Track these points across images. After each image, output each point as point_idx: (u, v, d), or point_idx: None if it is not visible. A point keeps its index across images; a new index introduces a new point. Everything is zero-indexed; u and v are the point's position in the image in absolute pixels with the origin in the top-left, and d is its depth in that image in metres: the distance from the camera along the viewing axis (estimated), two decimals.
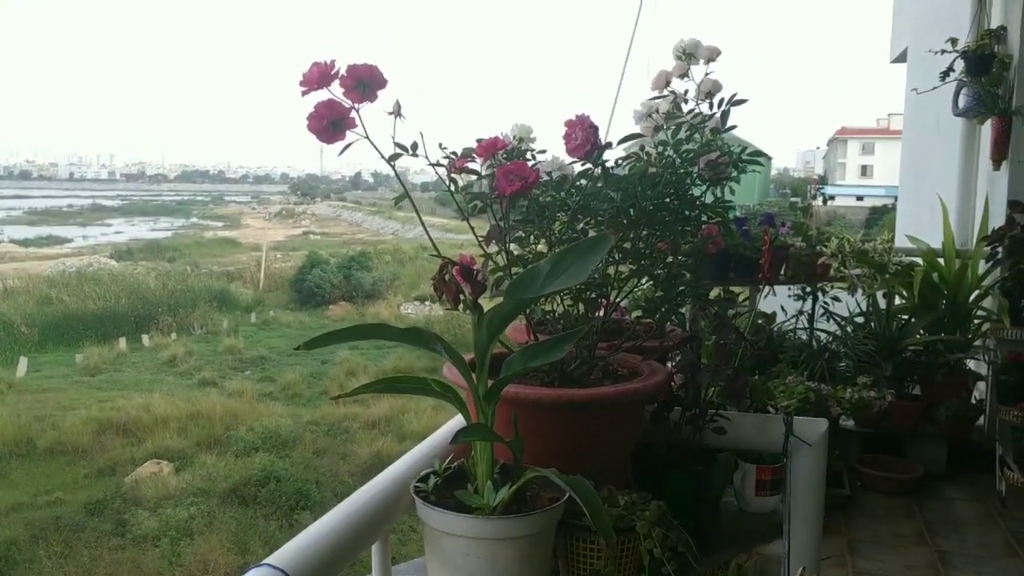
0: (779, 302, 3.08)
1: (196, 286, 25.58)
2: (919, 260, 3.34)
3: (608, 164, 1.33)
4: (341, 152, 1.11)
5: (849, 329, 3.19)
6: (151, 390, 16.16)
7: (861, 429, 2.98)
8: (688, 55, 1.41)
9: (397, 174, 1.22)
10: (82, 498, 10.89)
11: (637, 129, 1.45)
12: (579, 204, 1.28)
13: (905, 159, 6.38)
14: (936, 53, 3.46)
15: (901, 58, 6.57)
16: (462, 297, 0.96)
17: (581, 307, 1.30)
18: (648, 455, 1.36)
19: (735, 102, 1.41)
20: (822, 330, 3.19)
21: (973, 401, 3.17)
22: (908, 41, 6.12)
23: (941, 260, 3.34)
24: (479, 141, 1.27)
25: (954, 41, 3.40)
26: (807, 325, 3.13)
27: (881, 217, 25.45)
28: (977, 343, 3.21)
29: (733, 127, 1.42)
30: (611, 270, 1.31)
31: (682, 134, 1.40)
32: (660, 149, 1.38)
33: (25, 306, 22.22)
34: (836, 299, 3.23)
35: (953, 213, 3.61)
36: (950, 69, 3.41)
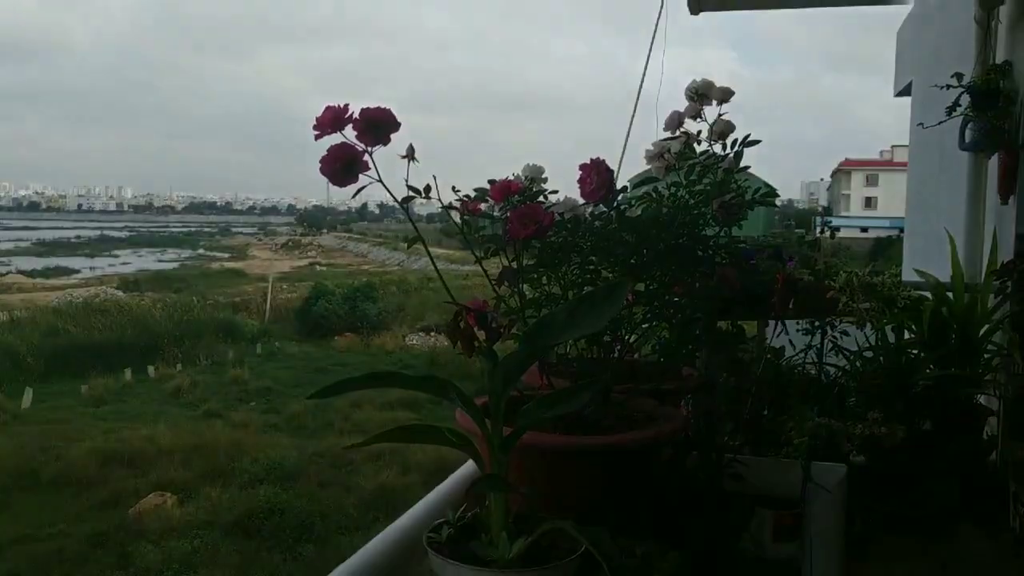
0: (787, 337, 3.06)
1: (202, 317, 25.62)
2: (928, 294, 3.33)
3: (620, 204, 1.33)
4: (354, 195, 1.13)
5: (858, 364, 3.16)
6: (156, 421, 16.15)
7: (872, 465, 2.94)
8: (701, 96, 1.42)
9: (410, 217, 1.22)
10: (86, 530, 10.84)
11: (647, 167, 1.45)
12: (593, 246, 1.28)
13: (911, 192, 6.38)
14: (941, 88, 3.47)
15: (905, 92, 6.60)
16: (476, 343, 0.95)
17: (595, 349, 1.30)
18: (664, 502, 1.35)
19: (748, 143, 1.41)
20: (831, 364, 3.17)
21: (985, 437, 3.14)
22: (912, 75, 6.15)
23: (950, 294, 3.32)
24: (492, 183, 1.28)
25: (959, 76, 3.41)
26: (816, 360, 3.10)
27: (886, 249, 25.49)
28: (988, 378, 3.17)
29: (746, 167, 1.43)
30: (625, 311, 1.30)
31: (695, 175, 1.40)
32: (673, 190, 1.38)
33: (31, 337, 22.26)
34: (845, 333, 3.20)
35: (961, 247, 3.60)
36: (956, 103, 3.42)
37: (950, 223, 3.79)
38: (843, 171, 61.89)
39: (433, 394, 0.93)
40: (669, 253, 1.30)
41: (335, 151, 1.08)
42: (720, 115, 1.40)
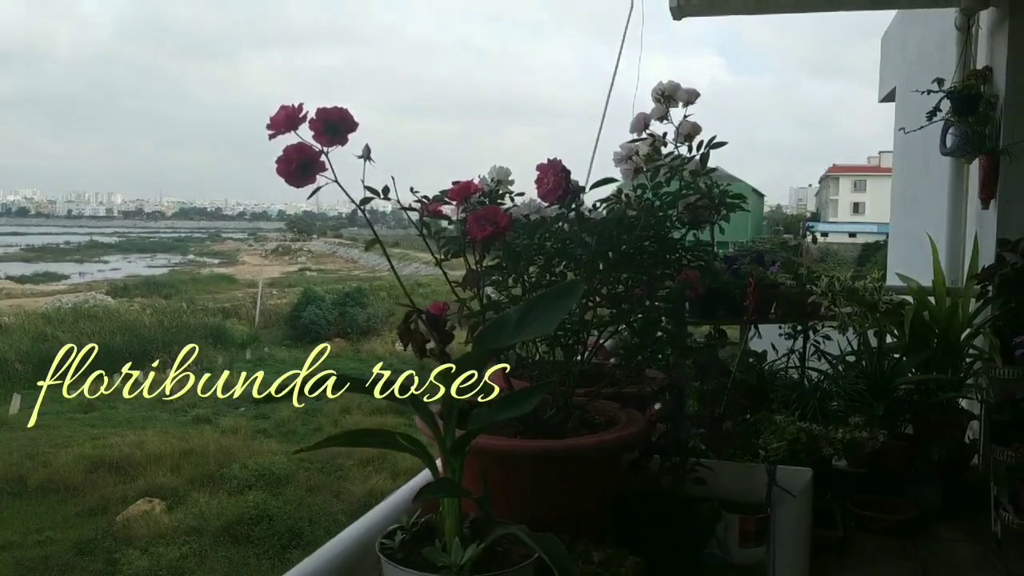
0: (770, 340, 3.06)
1: (191, 323, 25.47)
2: (909, 298, 3.33)
3: (587, 207, 1.31)
4: (310, 196, 1.10)
5: (840, 368, 3.15)
6: (144, 427, 16.06)
7: (854, 469, 2.93)
8: (667, 98, 1.41)
9: (367, 218, 1.20)
10: (73, 537, 10.76)
11: (617, 172, 1.43)
12: (554, 249, 1.26)
13: (896, 197, 6.40)
14: (923, 93, 3.48)
15: (889, 98, 6.63)
16: (429, 347, 0.94)
17: (559, 352, 1.27)
18: (626, 507, 1.32)
19: (714, 145, 1.40)
20: (813, 369, 3.16)
21: (967, 440, 3.14)
22: (896, 81, 6.17)
23: (932, 298, 3.32)
24: (455, 184, 1.26)
25: (940, 81, 3.42)
26: (798, 364, 3.10)
27: (873, 254, 25.57)
28: (969, 382, 3.18)
29: (712, 170, 1.41)
30: (589, 315, 1.28)
31: (661, 177, 1.38)
32: (639, 192, 1.36)
33: (20, 343, 22.10)
34: (827, 338, 3.20)
35: (943, 251, 3.61)
36: (937, 109, 3.43)
37: (932, 227, 3.81)
38: (831, 177, 62.29)
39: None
40: (634, 255, 1.28)
41: (291, 152, 1.06)
42: (686, 116, 1.38)
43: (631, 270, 1.28)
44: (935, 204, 4.14)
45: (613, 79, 3.59)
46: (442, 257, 1.26)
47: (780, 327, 3.08)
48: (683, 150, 1.39)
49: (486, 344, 0.90)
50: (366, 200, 1.15)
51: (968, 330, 3.24)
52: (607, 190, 1.40)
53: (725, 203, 1.36)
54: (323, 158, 1.08)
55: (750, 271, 2.57)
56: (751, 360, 2.93)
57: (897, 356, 3.30)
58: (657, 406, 1.39)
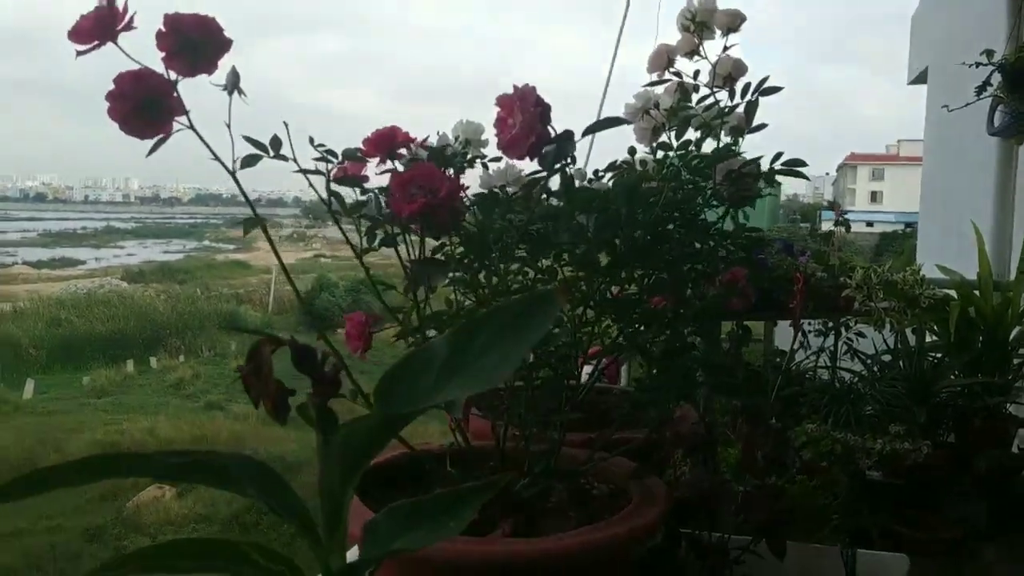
0: (800, 340, 2.82)
1: (205, 308, 25.51)
2: (952, 292, 3.07)
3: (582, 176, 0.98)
4: (151, 152, 0.76)
5: (876, 369, 2.90)
6: (157, 413, 16.11)
7: (890, 481, 2.69)
8: (699, 24, 1.04)
9: (240, 185, 0.87)
10: (82, 524, 10.77)
11: (632, 141, 1.09)
12: (529, 233, 0.89)
13: (926, 184, 6.11)
14: (970, 66, 3.21)
15: (920, 79, 6.32)
16: (285, 404, 0.62)
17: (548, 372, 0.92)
18: None
19: (765, 90, 1.03)
20: (846, 369, 2.91)
21: (1015, 450, 2.88)
22: (929, 60, 5.87)
23: (977, 292, 3.06)
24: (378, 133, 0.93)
25: (990, 53, 3.15)
26: (829, 364, 2.85)
27: (892, 243, 25.09)
28: (1019, 385, 2.92)
29: (762, 126, 1.05)
30: (585, 331, 0.95)
31: (691, 134, 1.02)
32: (661, 155, 1.02)
33: (34, 328, 22.20)
34: (861, 335, 2.95)
35: (987, 242, 3.35)
36: (987, 83, 3.16)
37: (971, 216, 3.54)
38: (849, 165, 61.88)
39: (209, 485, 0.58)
40: (651, 244, 0.91)
41: (126, 83, 0.71)
42: (726, 49, 1.02)
43: (649, 266, 0.93)
44: (976, 190, 3.88)
45: (612, 63, 3.32)
46: (366, 245, 0.96)
47: (809, 323, 2.84)
48: (721, 97, 1.02)
49: (391, 403, 0.53)
50: (252, 160, 0.84)
51: (1018, 328, 2.97)
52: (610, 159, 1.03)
53: (780, 171, 1.02)
54: (177, 94, 0.73)
55: (783, 263, 2.33)
56: (777, 360, 2.69)
57: (939, 357, 3.04)
58: (684, 466, 1.03)
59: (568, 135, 0.84)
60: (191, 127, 0.77)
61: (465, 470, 0.98)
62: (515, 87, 0.82)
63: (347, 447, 0.55)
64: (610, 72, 3.30)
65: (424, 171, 0.82)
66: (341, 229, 0.89)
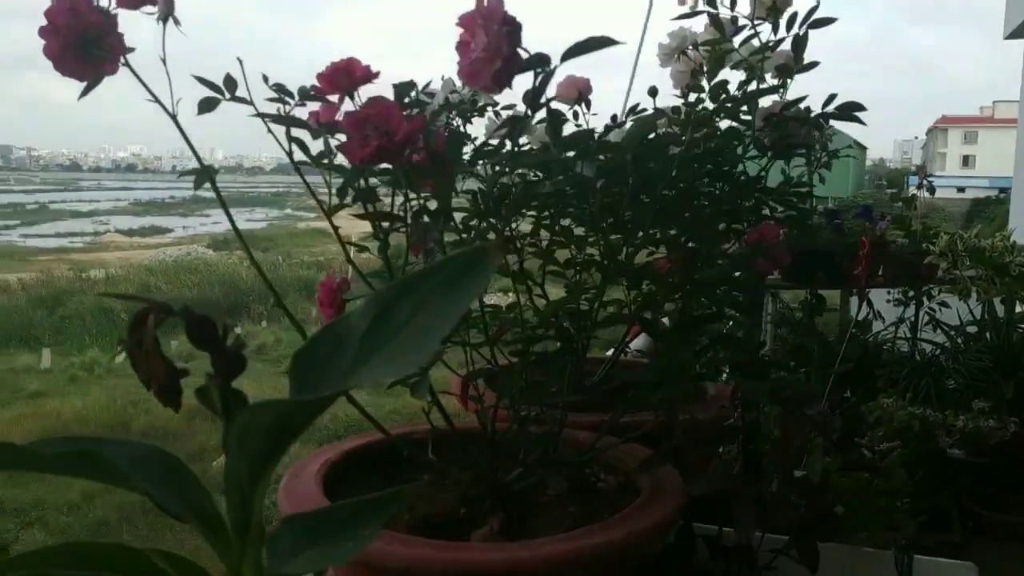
0: (874, 309, 2.69)
1: (287, 275, 26.09)
2: None
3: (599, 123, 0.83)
4: (83, 94, 0.69)
5: (960, 341, 2.76)
6: (241, 377, 16.60)
7: (972, 459, 2.56)
8: None
9: (186, 136, 0.80)
10: None
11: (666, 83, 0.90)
12: (514, 187, 0.78)
13: (1022, 147, 5.78)
14: None
15: (1018, 33, 5.93)
16: (177, 388, 0.52)
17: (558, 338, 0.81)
18: None
19: (815, 22, 0.88)
20: (928, 341, 2.78)
21: None
22: None
23: None
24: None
25: None
26: (909, 335, 2.72)
27: (983, 210, 23.88)
28: None
29: (813, 64, 0.91)
30: (588, 300, 0.83)
31: (730, 75, 0.88)
32: (694, 96, 0.88)
33: (125, 293, 23.11)
34: (944, 305, 2.80)
35: None
36: None
37: None
38: (939, 128, 59.26)
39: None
40: (675, 201, 0.77)
41: (59, 14, 0.64)
42: None
43: (668, 225, 0.79)
44: None
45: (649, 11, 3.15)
46: (334, 200, 0.85)
47: (888, 292, 2.71)
48: (763, 32, 0.87)
49: (303, 387, 0.45)
50: (209, 105, 0.76)
51: None
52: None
53: (830, 115, 0.88)
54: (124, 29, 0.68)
55: (858, 227, 2.21)
56: (853, 331, 2.57)
57: None
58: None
59: (542, 58, 0.71)
60: (127, 64, 0.71)
61: (452, 455, 0.92)
62: (477, 4, 0.69)
63: (254, 435, 0.46)
64: (646, 22, 3.14)
65: (380, 109, 0.73)
66: (305, 182, 0.84)
